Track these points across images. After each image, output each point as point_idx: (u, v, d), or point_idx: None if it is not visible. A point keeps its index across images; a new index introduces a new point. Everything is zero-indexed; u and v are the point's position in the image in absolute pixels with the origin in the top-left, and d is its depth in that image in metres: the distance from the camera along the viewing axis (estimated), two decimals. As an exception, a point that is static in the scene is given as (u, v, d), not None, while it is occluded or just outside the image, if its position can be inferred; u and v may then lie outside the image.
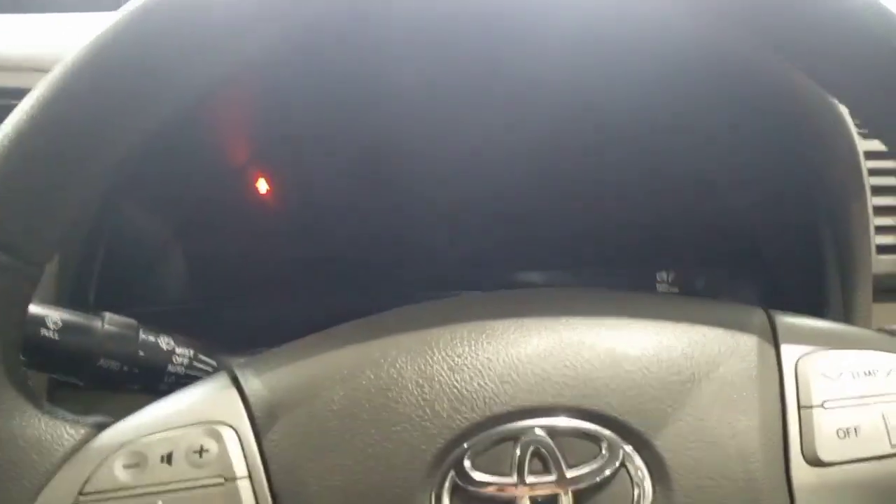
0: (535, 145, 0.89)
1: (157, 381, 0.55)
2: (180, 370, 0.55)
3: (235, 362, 0.46)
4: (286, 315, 0.80)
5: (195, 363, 0.56)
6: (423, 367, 0.42)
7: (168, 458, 0.40)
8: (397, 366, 0.42)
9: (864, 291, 0.76)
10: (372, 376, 0.42)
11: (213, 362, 0.57)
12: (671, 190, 0.89)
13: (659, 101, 0.82)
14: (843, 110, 0.74)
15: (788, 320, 0.47)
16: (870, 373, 0.43)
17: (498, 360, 0.42)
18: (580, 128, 0.89)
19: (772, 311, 0.48)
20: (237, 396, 0.42)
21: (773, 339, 0.45)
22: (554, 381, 0.42)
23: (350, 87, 0.84)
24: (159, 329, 0.56)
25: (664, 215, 0.90)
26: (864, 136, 0.85)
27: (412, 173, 0.89)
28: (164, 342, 0.55)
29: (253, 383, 0.43)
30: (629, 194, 0.90)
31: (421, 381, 0.42)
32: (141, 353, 0.54)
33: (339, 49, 0.77)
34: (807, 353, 0.44)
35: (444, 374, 0.42)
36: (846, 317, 0.75)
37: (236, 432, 0.41)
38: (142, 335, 0.54)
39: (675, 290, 0.89)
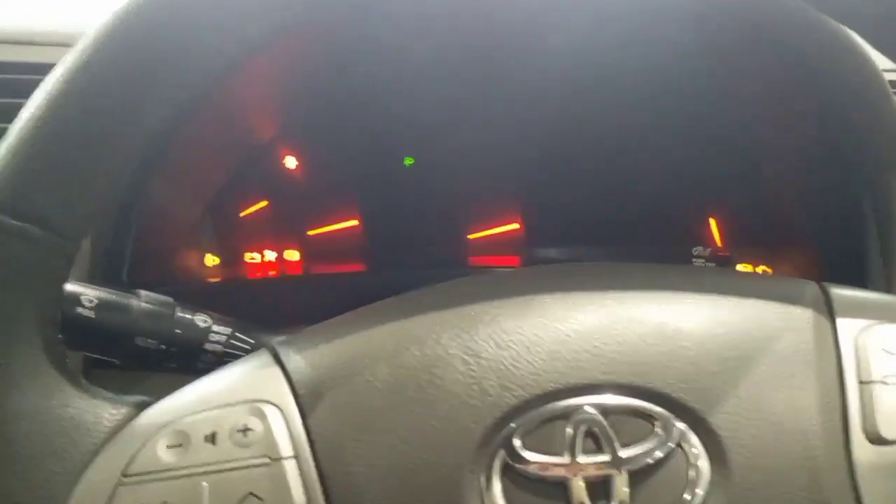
0: (563, 120, 0.88)
1: (194, 360, 0.54)
2: (218, 348, 0.54)
3: (276, 340, 0.45)
4: (321, 292, 0.79)
5: (233, 341, 0.55)
6: (468, 343, 0.41)
7: (212, 438, 0.39)
8: (442, 342, 0.41)
9: None
10: (417, 353, 0.41)
11: (251, 340, 0.56)
12: (706, 161, 0.87)
13: (690, 66, 0.80)
14: (883, 75, 0.71)
15: (843, 293, 0.46)
16: None
17: (546, 335, 0.41)
18: (611, 99, 0.87)
19: (825, 284, 0.46)
20: (280, 374, 0.42)
21: (829, 312, 0.44)
22: (605, 357, 0.40)
23: (369, 61, 0.83)
24: (196, 307, 0.55)
25: (699, 189, 0.88)
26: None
27: (433, 149, 0.87)
28: (201, 320, 0.54)
29: (295, 361, 0.42)
30: (662, 169, 0.88)
31: (467, 357, 0.40)
32: (178, 332, 0.53)
33: (360, 20, 0.76)
34: (865, 328, 0.43)
35: (490, 350, 0.41)
36: (889, 290, 0.73)
37: (281, 411, 0.40)
38: (178, 313, 0.54)
39: (712, 265, 0.87)
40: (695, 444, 0.39)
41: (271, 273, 0.84)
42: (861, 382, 0.41)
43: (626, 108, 0.87)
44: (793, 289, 0.45)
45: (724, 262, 0.86)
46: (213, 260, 0.82)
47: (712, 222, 0.88)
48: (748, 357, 0.41)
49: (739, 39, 0.73)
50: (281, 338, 0.47)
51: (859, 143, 0.73)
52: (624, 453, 0.39)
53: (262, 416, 0.40)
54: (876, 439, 0.40)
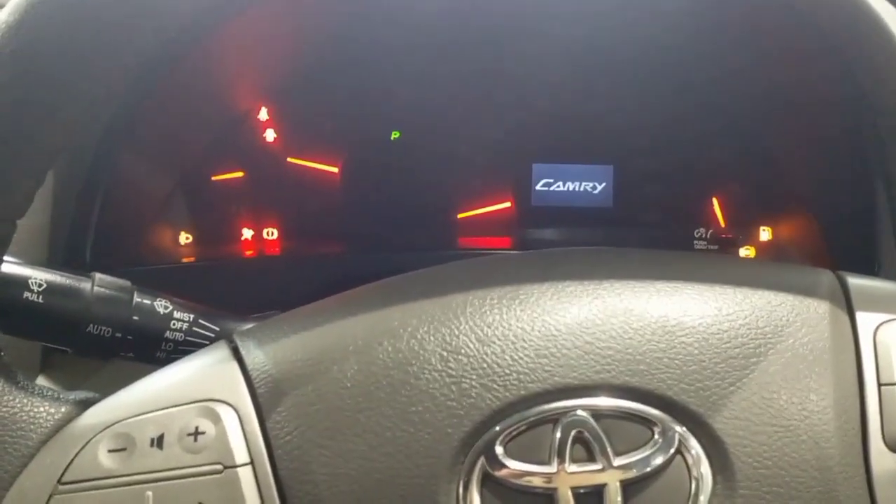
0: (559, 95, 0.83)
1: (153, 349, 0.50)
2: (179, 337, 0.50)
3: (238, 331, 0.41)
4: (299, 274, 0.75)
5: (195, 329, 0.51)
6: (447, 337, 0.37)
7: (159, 442, 0.35)
8: (419, 336, 0.37)
9: None
10: (390, 348, 0.37)
11: (216, 328, 0.52)
12: (709, 137, 0.83)
13: (694, 39, 0.75)
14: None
15: (862, 283, 0.42)
16: None
17: (533, 329, 0.37)
18: (608, 72, 0.83)
19: (842, 273, 0.42)
20: (238, 370, 0.37)
21: (847, 305, 0.40)
22: (598, 354, 0.36)
23: (355, 27, 0.78)
24: (156, 292, 0.51)
25: (701, 167, 0.83)
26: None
27: (421, 122, 0.83)
28: (161, 306, 0.50)
29: (256, 355, 0.38)
30: (662, 146, 0.84)
31: (445, 353, 0.36)
32: (135, 318, 0.49)
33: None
34: (886, 322, 0.39)
35: (471, 345, 0.37)
36: None
37: (237, 412, 0.36)
38: (136, 298, 0.49)
39: (714, 248, 0.83)
40: (697, 452, 0.35)
41: (248, 253, 0.80)
42: (881, 384, 0.37)
43: (624, 81, 0.83)
44: (807, 278, 0.41)
45: (727, 244, 0.82)
46: (186, 238, 0.78)
47: (715, 202, 0.84)
48: (757, 354, 0.37)
49: (748, 8, 0.68)
50: (245, 327, 0.43)
51: (870, 114, 0.68)
52: (618, 461, 0.35)
53: (215, 417, 0.36)
54: None
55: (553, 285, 0.39)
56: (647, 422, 0.35)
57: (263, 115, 0.81)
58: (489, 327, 0.37)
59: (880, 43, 0.65)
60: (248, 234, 0.81)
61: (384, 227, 0.82)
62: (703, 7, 0.71)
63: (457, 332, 0.37)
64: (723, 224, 0.84)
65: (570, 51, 0.83)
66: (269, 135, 0.82)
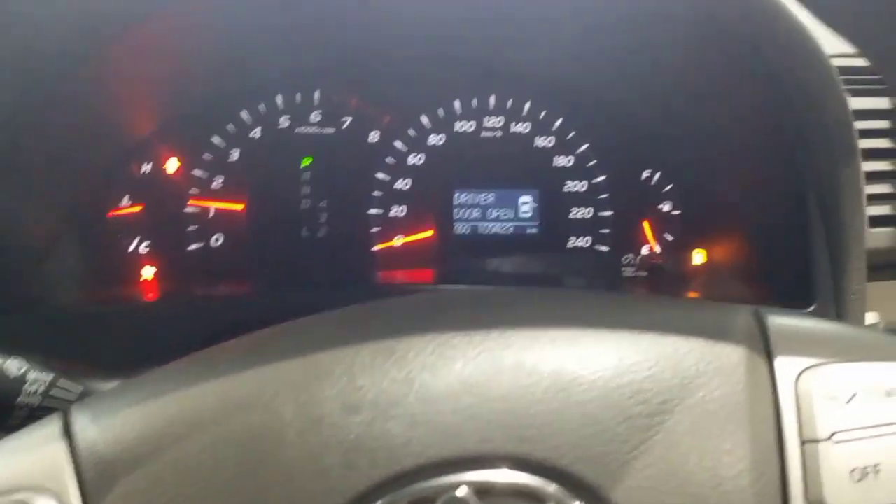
0: (485, 112, 0.80)
1: (4, 417, 0.44)
2: (34, 401, 0.45)
3: (77, 404, 0.35)
4: (203, 318, 0.68)
5: (53, 392, 0.45)
6: (308, 406, 0.32)
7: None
8: (274, 406, 0.32)
9: (857, 269, 0.67)
10: (241, 422, 0.32)
11: (78, 389, 0.46)
12: (642, 154, 0.80)
13: (632, 56, 0.72)
14: (832, 65, 0.64)
15: (783, 322, 0.38)
16: (891, 392, 0.34)
17: (409, 393, 0.32)
18: (536, 97, 0.80)
19: (761, 311, 0.38)
20: (65, 451, 0.32)
21: (766, 348, 0.36)
22: (483, 419, 0.32)
23: (265, 42, 0.73)
24: (11, 350, 0.45)
25: (631, 187, 0.80)
26: (855, 94, 0.76)
27: (335, 147, 0.78)
28: (15, 367, 0.45)
29: (88, 433, 0.32)
30: (588, 165, 0.80)
31: (305, 426, 0.31)
32: None
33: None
34: (808, 368, 0.35)
35: (336, 415, 0.32)
36: (837, 298, 0.66)
37: (57, 502, 0.30)
38: None
39: (644, 274, 0.79)
40: None
41: (148, 295, 0.74)
42: (804, 441, 0.33)
43: (547, 103, 0.79)
44: (721, 318, 0.37)
45: (655, 270, 0.78)
46: (73, 281, 0.71)
47: (646, 225, 0.80)
48: (663, 412, 0.33)
49: (687, 27, 0.65)
50: (86, 399, 0.37)
51: (805, 132, 0.66)
52: None
53: None
54: None
55: (435, 337, 0.34)
56: (537, 498, 0.31)
57: (164, 144, 0.76)
58: (357, 391, 0.32)
59: (818, 69, 0.63)
60: (147, 273, 0.75)
61: (295, 263, 0.77)
62: (632, 26, 0.68)
63: (319, 399, 0.32)
64: (655, 248, 0.80)
65: (490, 72, 0.79)
66: (171, 165, 0.76)
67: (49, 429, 0.34)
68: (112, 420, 0.33)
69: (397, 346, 0.34)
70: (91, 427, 0.33)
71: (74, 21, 0.57)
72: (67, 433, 0.33)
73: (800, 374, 0.35)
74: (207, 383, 0.33)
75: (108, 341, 0.65)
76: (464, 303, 0.39)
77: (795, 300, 0.68)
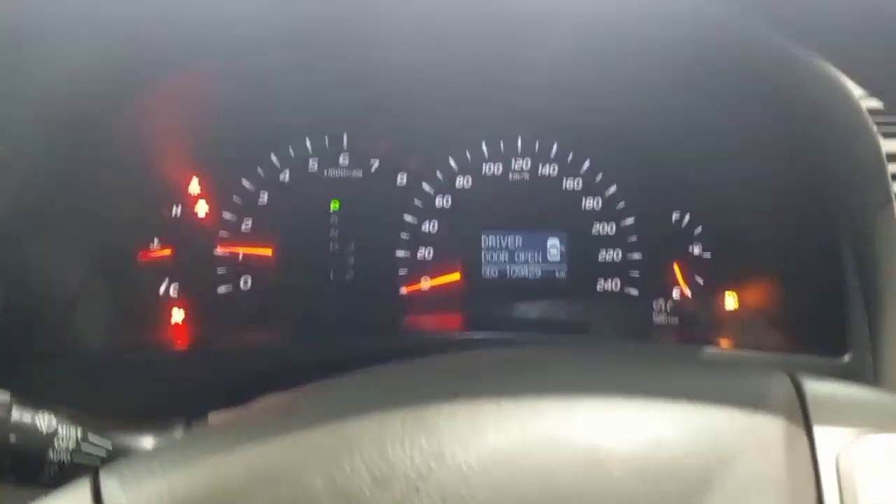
0: (514, 158, 0.80)
1: (34, 473, 0.44)
2: (64, 458, 0.45)
3: (105, 469, 0.35)
4: (232, 367, 0.68)
5: (83, 447, 0.45)
6: (338, 478, 0.31)
7: None
8: (304, 479, 0.31)
9: (894, 316, 0.65)
10: (270, 495, 0.31)
11: (108, 445, 0.46)
12: (673, 199, 0.79)
13: (661, 100, 0.72)
14: (864, 109, 0.63)
15: (821, 390, 0.37)
16: None
17: (440, 466, 0.32)
18: (566, 139, 0.79)
19: (798, 377, 0.37)
20: None
21: (805, 420, 0.35)
22: (516, 496, 0.31)
23: (298, 91, 0.74)
24: (39, 404, 0.45)
25: (663, 230, 0.79)
26: (886, 135, 0.74)
27: (363, 191, 0.79)
28: (44, 423, 0.45)
29: (117, 499, 0.32)
30: (618, 208, 0.80)
31: (335, 501, 0.31)
32: (13, 440, 0.43)
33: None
34: (849, 442, 0.34)
35: (366, 489, 0.31)
36: (874, 346, 0.65)
37: None
38: (15, 415, 0.44)
39: (675, 320, 0.78)
40: None
41: (177, 342, 0.73)
42: None
43: (577, 146, 0.79)
44: (759, 387, 0.36)
45: (689, 319, 0.77)
46: (101, 328, 0.71)
47: (676, 268, 0.79)
48: (701, 490, 0.32)
49: (714, 72, 0.65)
50: (116, 463, 0.37)
51: (839, 180, 0.65)
52: None
53: None
54: None
55: (466, 405, 0.34)
56: None
57: (195, 187, 0.76)
58: (387, 464, 0.32)
59: (850, 114, 0.62)
60: (177, 317, 0.75)
61: (323, 305, 0.77)
62: (662, 70, 0.68)
63: (349, 472, 0.32)
64: (686, 292, 0.79)
65: (517, 115, 0.79)
66: (201, 208, 0.77)
67: (78, 494, 0.33)
68: (140, 488, 0.33)
69: (427, 416, 0.33)
70: (119, 494, 0.33)
71: (105, 70, 0.58)
72: (97, 499, 0.33)
73: (841, 447, 0.34)
74: (235, 454, 0.33)
75: (137, 391, 0.65)
76: (494, 365, 0.39)
77: (829, 348, 0.66)
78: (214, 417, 0.52)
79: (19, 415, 0.44)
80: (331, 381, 0.38)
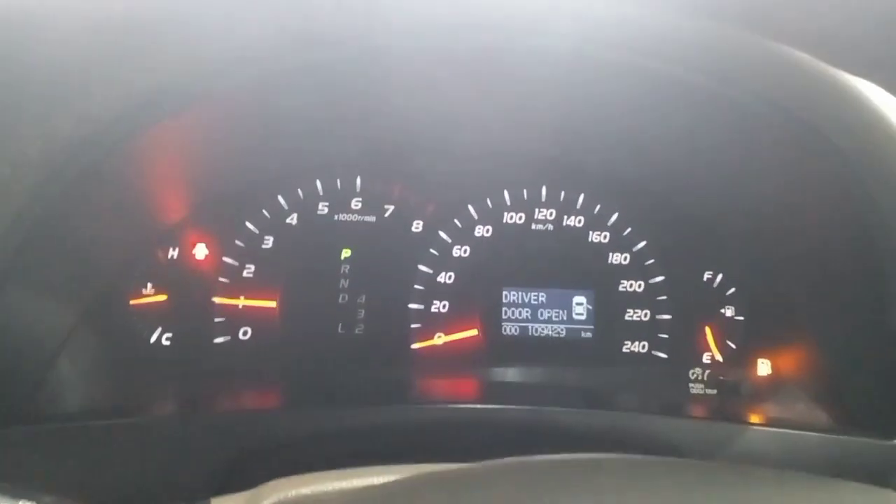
0: (534, 212, 0.75)
1: None
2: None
3: None
4: (229, 434, 0.60)
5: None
6: None
7: None
8: None
9: None
10: None
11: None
12: (699, 254, 0.74)
13: (700, 156, 0.67)
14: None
15: None
16: None
17: None
18: (593, 192, 0.75)
19: None
20: None
21: None
22: None
23: (302, 132, 0.68)
24: (22, 490, 0.39)
25: (692, 288, 0.74)
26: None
27: (374, 238, 0.73)
28: (22, 514, 0.38)
29: None
30: (649, 268, 0.75)
31: None
32: None
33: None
34: None
35: None
36: None
37: None
38: None
39: (713, 391, 0.72)
40: None
41: (166, 406, 0.66)
42: None
43: (606, 199, 0.74)
44: None
45: (727, 389, 0.72)
46: (83, 385, 0.64)
47: (708, 331, 0.74)
48: None
49: (756, 122, 0.60)
50: None
51: (891, 234, 0.60)
52: None
53: None
54: None
55: None
56: None
57: (192, 226, 0.70)
58: None
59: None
60: (167, 372, 0.68)
61: (328, 360, 0.71)
62: (695, 120, 0.63)
63: None
64: (718, 356, 0.74)
65: (542, 163, 0.74)
66: (200, 251, 0.71)
67: None
68: None
69: None
70: None
71: (102, 111, 0.52)
72: None
73: None
74: None
75: (122, 461, 0.58)
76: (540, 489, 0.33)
77: (877, 428, 0.61)
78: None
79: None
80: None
